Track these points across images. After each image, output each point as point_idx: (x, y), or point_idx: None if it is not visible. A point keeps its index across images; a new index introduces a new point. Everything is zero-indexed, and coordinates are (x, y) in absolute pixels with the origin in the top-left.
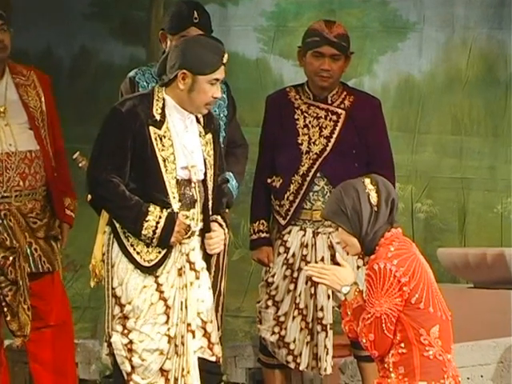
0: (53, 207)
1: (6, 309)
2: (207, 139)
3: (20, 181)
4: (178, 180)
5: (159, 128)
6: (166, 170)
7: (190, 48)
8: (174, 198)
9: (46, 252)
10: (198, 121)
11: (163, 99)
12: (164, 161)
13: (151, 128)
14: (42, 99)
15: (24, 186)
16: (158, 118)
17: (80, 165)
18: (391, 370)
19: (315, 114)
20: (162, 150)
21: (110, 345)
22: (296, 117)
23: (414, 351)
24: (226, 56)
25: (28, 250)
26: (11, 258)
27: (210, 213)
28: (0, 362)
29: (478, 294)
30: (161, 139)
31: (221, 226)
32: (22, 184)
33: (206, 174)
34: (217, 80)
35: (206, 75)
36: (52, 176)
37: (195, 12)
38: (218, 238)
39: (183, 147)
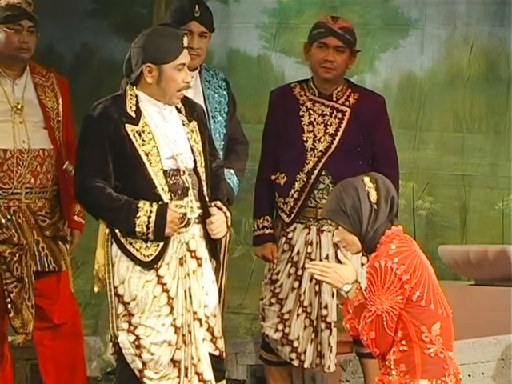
0: (61, 209)
1: (9, 305)
2: (191, 127)
3: (31, 178)
4: (165, 171)
5: (136, 124)
6: (150, 163)
7: (148, 40)
8: (163, 189)
9: (52, 251)
10: (179, 111)
11: (136, 96)
12: (147, 155)
13: (127, 125)
14: (60, 101)
15: (35, 183)
16: (132, 114)
17: (72, 174)
18: (392, 367)
19: (320, 111)
20: (143, 144)
21: (115, 344)
22: (301, 113)
23: (415, 349)
24: (185, 40)
25: (35, 248)
26: (18, 255)
27: (207, 199)
28: (5, 358)
29: (479, 292)
30: (139, 134)
31: (220, 209)
32: (33, 181)
33: (195, 161)
34: (183, 65)
35: (170, 63)
36: (63, 177)
37: (197, 6)
38: (219, 221)
39: (165, 138)
